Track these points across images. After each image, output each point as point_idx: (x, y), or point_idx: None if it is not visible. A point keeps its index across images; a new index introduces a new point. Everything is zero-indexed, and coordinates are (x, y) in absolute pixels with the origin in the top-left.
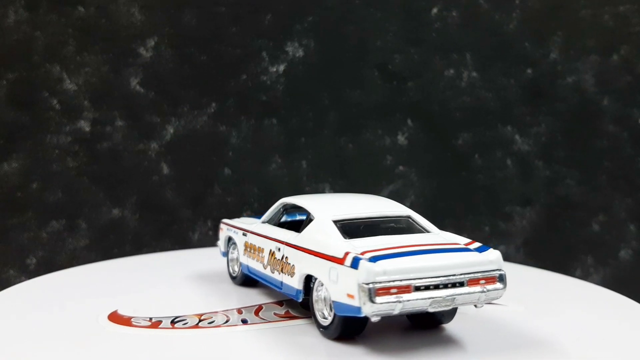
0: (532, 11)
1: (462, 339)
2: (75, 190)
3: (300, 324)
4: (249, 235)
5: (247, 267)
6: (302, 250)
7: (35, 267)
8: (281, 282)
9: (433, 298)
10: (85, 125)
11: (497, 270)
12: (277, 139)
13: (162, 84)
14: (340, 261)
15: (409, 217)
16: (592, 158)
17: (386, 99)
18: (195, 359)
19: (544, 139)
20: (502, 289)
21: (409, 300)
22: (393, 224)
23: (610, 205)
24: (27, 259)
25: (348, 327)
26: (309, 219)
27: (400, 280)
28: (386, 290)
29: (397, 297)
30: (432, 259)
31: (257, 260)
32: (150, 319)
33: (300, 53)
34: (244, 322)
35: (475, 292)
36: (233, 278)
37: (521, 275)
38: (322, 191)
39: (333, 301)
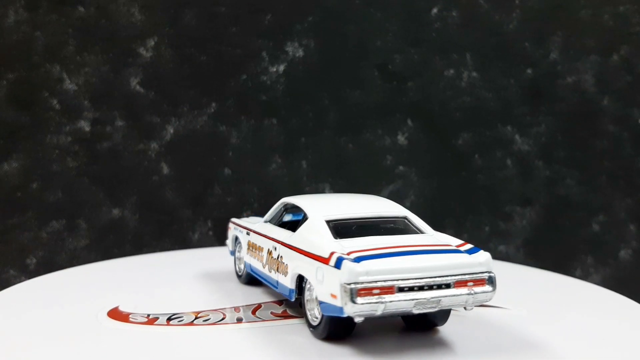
0: (532, 11)
1: (453, 341)
2: (75, 190)
3: (294, 324)
4: (252, 234)
5: (250, 266)
6: (295, 250)
7: (35, 267)
8: (277, 282)
9: (417, 299)
10: (85, 125)
11: (486, 272)
12: (277, 139)
13: (162, 84)
14: (325, 261)
15: (405, 217)
16: (592, 158)
17: (386, 99)
18: (173, 355)
19: (544, 139)
20: (491, 291)
21: (391, 301)
22: (388, 225)
23: (610, 205)
24: (27, 259)
25: (335, 327)
26: (304, 219)
27: (384, 281)
28: (368, 291)
29: (379, 298)
30: (417, 260)
31: (258, 259)
32: (148, 315)
33: (300, 53)
34: (239, 320)
35: (462, 295)
36: (239, 277)
37: (521, 275)
38: (322, 191)
39: (319, 301)
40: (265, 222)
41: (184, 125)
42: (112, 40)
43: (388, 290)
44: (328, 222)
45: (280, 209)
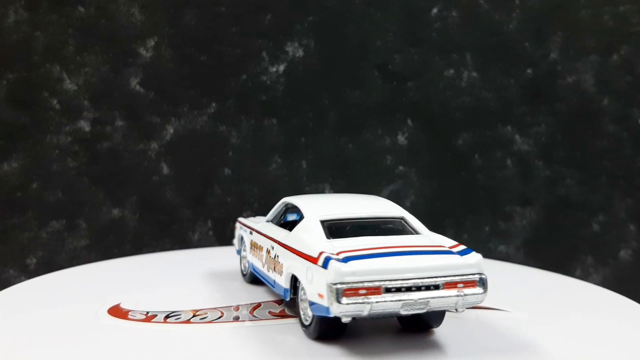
0: (532, 11)
1: (448, 343)
2: (75, 190)
3: (290, 323)
4: (254, 233)
5: (252, 265)
6: (289, 250)
7: (35, 267)
8: (274, 281)
9: (404, 300)
10: (85, 125)
11: (477, 274)
12: (277, 139)
13: (162, 84)
14: (315, 261)
15: (402, 218)
16: (592, 158)
17: (386, 99)
18: (164, 352)
19: (544, 139)
20: (481, 293)
21: (378, 302)
22: (384, 226)
23: (610, 205)
24: (27, 259)
25: (326, 328)
26: (301, 219)
27: (370, 281)
28: (354, 291)
29: (365, 299)
30: (406, 260)
31: (258, 259)
32: (147, 313)
33: (300, 53)
34: (236, 319)
35: (452, 296)
36: (244, 276)
37: (521, 275)
38: (322, 191)
39: (309, 301)
40: (267, 221)
41: (184, 125)
42: (112, 40)
43: (375, 290)
44: (323, 222)
45: (281, 208)
